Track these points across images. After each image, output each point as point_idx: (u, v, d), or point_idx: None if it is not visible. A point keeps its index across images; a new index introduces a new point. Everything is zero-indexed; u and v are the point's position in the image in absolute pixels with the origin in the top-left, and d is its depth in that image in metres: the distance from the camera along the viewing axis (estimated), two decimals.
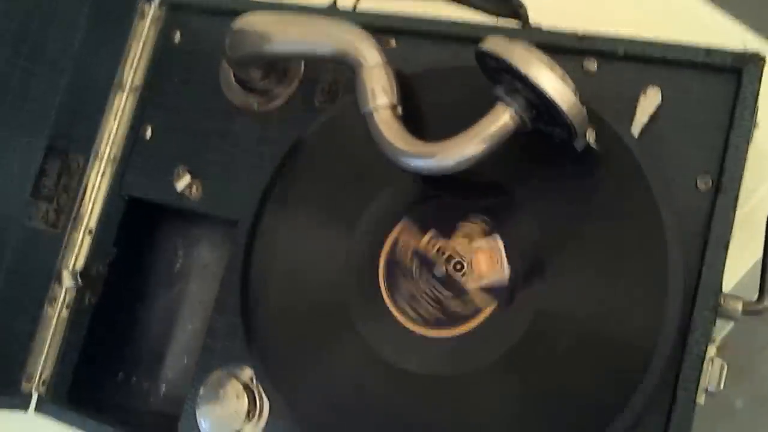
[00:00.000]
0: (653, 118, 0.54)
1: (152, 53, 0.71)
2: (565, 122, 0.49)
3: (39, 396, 0.67)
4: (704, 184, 0.52)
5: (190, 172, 0.66)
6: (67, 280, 0.66)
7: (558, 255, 0.53)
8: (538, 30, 0.60)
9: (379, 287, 0.57)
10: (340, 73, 0.64)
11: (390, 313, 0.57)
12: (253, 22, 0.61)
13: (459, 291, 0.55)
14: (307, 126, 0.63)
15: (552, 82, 0.48)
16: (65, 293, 0.68)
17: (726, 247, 0.50)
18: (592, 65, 0.57)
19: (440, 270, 0.56)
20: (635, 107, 0.55)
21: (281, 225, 0.62)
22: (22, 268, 0.68)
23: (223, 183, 0.65)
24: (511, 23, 0.62)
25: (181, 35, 0.71)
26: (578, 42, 0.57)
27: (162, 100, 0.70)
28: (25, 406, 0.67)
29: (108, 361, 0.70)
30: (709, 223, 0.51)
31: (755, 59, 0.52)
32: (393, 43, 0.63)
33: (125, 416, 0.67)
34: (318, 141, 0.63)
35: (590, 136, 0.52)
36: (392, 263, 0.58)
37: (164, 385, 0.70)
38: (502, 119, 0.51)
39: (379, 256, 0.58)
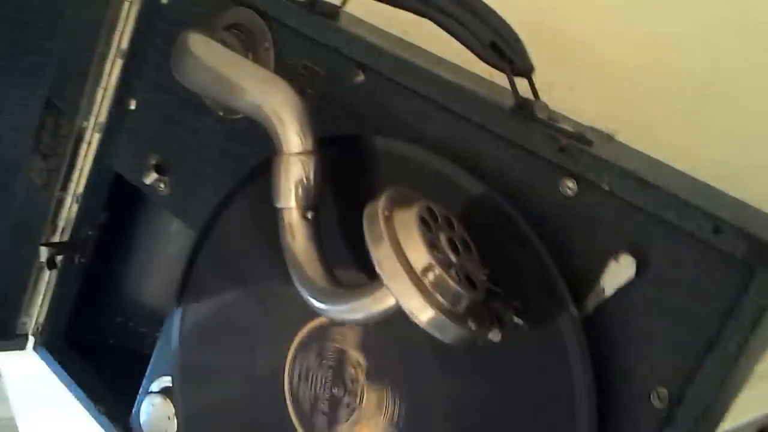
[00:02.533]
0: (619, 293, 0.41)
1: (138, 14, 0.62)
2: None
3: (36, 338, 0.72)
4: (659, 400, 0.39)
5: (159, 168, 0.60)
6: (43, 255, 0.66)
7: None
8: (518, 116, 0.44)
9: None
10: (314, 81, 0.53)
11: None
12: (189, 50, 0.50)
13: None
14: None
15: (408, 296, 0.37)
16: None
17: None
18: (569, 187, 0.42)
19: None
20: (602, 268, 0.41)
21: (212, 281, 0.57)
22: (25, 221, 0.69)
23: (189, 187, 0.59)
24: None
25: None
26: (557, 154, 0.42)
27: (147, 70, 0.62)
28: (22, 347, 0.72)
29: (105, 307, 0.72)
30: None
31: None
32: (361, 76, 0.50)
33: (122, 356, 0.72)
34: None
35: (493, 336, 0.40)
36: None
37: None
38: (386, 302, 0.39)
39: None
